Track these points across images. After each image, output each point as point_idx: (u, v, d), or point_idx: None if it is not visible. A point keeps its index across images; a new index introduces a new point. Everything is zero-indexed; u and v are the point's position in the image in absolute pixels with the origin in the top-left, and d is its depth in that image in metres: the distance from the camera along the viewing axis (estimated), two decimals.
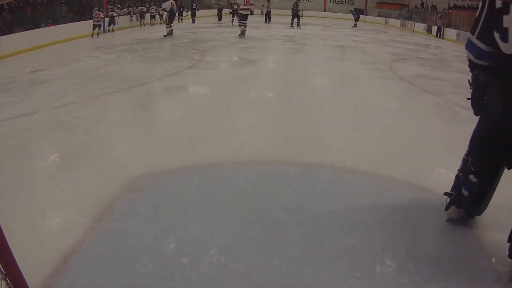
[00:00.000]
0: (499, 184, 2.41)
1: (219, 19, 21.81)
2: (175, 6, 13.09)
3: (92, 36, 14.08)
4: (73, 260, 2.19)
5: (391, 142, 4.22)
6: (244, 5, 12.29)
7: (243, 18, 12.69)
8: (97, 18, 14.24)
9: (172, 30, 12.71)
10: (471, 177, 2.38)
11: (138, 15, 19.20)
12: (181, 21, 20.71)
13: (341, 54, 11.17)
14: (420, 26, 20.00)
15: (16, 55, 9.76)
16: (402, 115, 5.32)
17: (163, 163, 3.48)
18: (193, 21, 20.34)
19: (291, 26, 18.37)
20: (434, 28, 18.20)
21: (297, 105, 5.54)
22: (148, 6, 20.30)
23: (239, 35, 13.06)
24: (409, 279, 2.12)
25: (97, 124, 4.56)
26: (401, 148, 4.08)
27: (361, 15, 24.55)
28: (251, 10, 13.36)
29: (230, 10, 19.32)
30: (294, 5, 18.34)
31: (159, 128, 4.57)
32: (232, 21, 18.51)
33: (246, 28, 12.94)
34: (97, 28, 14.20)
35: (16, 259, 1.28)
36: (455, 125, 4.82)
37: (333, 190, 3.13)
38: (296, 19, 18.44)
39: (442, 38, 17.23)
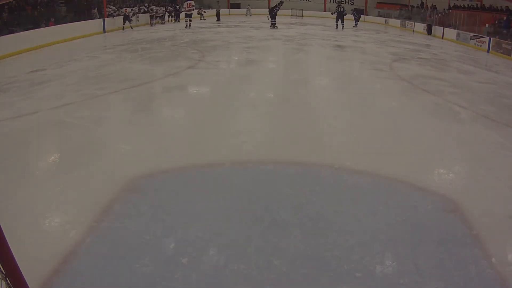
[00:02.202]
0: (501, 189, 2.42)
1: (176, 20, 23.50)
2: (127, 11, 17.01)
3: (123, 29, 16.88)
4: (73, 260, 2.19)
5: (391, 142, 4.22)
6: (187, 7, 17.77)
7: (187, 15, 17.78)
8: (127, 13, 17.00)
9: (124, 27, 16.69)
10: None
11: (138, 15, 19.28)
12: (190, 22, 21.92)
13: (341, 54, 11.16)
14: (420, 26, 19.97)
15: (16, 55, 9.74)
16: (402, 115, 5.31)
17: (163, 163, 3.48)
18: (175, 20, 22.04)
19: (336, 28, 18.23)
20: (433, 28, 18.22)
21: (297, 105, 5.54)
22: (148, 7, 20.43)
23: (185, 27, 17.28)
24: (409, 279, 2.12)
25: (97, 124, 4.56)
26: (401, 148, 4.08)
27: (361, 15, 24.52)
28: (193, 9, 18.40)
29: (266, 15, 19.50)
30: (338, 7, 18.31)
31: (159, 128, 4.57)
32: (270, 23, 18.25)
33: (191, 23, 17.69)
34: (126, 22, 17.05)
35: (16, 259, 1.28)
36: (455, 125, 4.82)
37: (333, 190, 3.13)
38: (340, 21, 18.15)
39: (437, 37, 17.24)
